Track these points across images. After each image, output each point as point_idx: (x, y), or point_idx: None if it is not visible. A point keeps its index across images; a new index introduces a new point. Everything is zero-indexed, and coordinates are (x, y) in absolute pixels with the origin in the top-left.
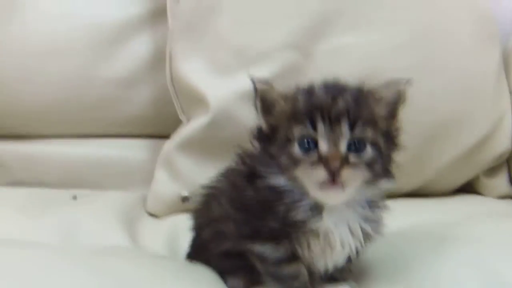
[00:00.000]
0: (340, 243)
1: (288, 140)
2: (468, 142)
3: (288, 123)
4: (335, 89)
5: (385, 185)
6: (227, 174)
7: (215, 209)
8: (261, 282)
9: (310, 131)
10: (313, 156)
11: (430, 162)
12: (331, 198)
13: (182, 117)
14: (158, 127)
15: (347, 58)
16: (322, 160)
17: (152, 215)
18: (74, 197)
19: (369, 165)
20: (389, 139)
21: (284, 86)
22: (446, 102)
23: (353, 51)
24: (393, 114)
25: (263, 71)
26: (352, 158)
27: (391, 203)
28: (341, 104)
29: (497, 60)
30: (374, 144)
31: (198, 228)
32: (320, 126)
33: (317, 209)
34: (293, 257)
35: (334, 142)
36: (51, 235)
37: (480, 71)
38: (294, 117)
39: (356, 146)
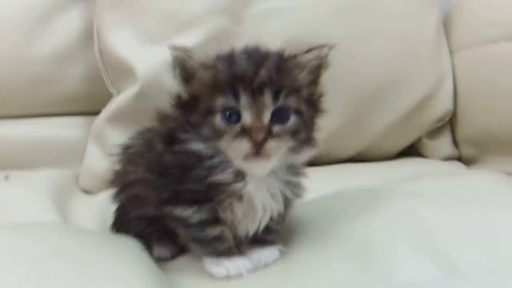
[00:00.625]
0: (262, 206)
1: (210, 111)
2: (407, 104)
3: (209, 94)
4: (256, 57)
5: (308, 152)
6: (144, 134)
7: (131, 173)
8: (188, 250)
9: (233, 102)
10: (236, 128)
11: (368, 127)
12: (255, 169)
13: (112, 90)
14: (93, 104)
15: (279, 23)
16: (246, 132)
17: (86, 191)
18: (7, 177)
19: (293, 133)
20: (312, 105)
21: (209, 52)
22: (383, 65)
23: (285, 16)
24: (315, 80)
25: (191, 38)
26: (276, 128)
27: (329, 168)
28: (263, 74)
29: (436, 22)
30: (298, 112)
31: (117, 194)
32: (243, 98)
33: (240, 174)
34: (216, 220)
35: (257, 113)
36: None
37: (417, 34)
38: (215, 87)
39: (279, 115)
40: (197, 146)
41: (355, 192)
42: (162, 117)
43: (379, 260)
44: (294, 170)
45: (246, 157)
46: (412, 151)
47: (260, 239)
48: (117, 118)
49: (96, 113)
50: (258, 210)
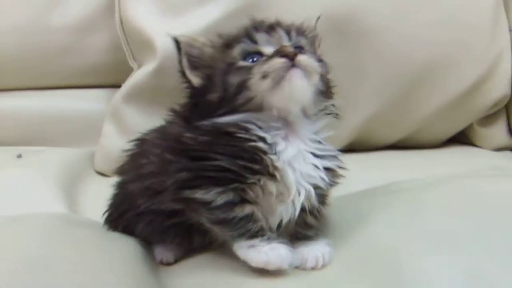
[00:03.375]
0: (296, 184)
1: (231, 64)
2: (458, 87)
3: (224, 53)
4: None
5: (331, 107)
6: (158, 129)
7: (146, 165)
8: (193, 252)
9: (251, 45)
10: (262, 60)
11: (414, 111)
12: (296, 84)
13: (132, 64)
14: (115, 77)
15: None
16: (275, 54)
17: (101, 173)
18: (19, 156)
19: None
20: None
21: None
22: (435, 39)
23: None
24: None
25: (213, 9)
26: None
27: (369, 155)
28: (272, 19)
29: None
30: (313, 54)
31: (124, 185)
32: (260, 36)
33: (272, 145)
34: (244, 200)
35: (278, 44)
36: None
37: (472, 8)
38: (228, 44)
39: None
40: (226, 118)
41: (391, 194)
42: (175, 109)
43: None
44: (330, 154)
45: (283, 75)
46: (461, 138)
47: (301, 236)
48: (135, 96)
49: (118, 86)
50: (292, 187)
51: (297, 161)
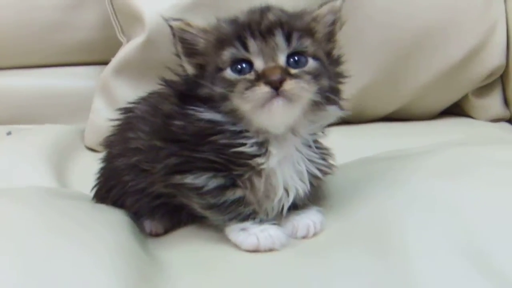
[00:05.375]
0: (283, 185)
1: (219, 69)
2: (452, 57)
3: (215, 52)
4: (262, 8)
5: (334, 112)
6: (148, 99)
7: (133, 140)
8: (182, 224)
9: (242, 51)
10: (250, 76)
11: (407, 82)
12: (277, 114)
13: (121, 38)
14: (106, 53)
15: None
16: (261, 76)
17: (91, 149)
18: (9, 133)
19: (315, 77)
20: (333, 62)
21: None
22: (425, 11)
23: None
24: (332, 37)
25: None
26: (294, 70)
27: (364, 127)
28: (271, 16)
29: None
30: (316, 58)
31: (112, 159)
32: (251, 43)
33: (262, 146)
34: (235, 185)
35: (270, 57)
36: None
37: None
38: (221, 43)
39: (296, 60)
40: (211, 115)
41: (383, 161)
42: (170, 82)
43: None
44: (320, 149)
45: (265, 102)
46: (456, 110)
47: (291, 205)
48: (124, 70)
49: (108, 63)
50: (279, 188)
51: (285, 164)
